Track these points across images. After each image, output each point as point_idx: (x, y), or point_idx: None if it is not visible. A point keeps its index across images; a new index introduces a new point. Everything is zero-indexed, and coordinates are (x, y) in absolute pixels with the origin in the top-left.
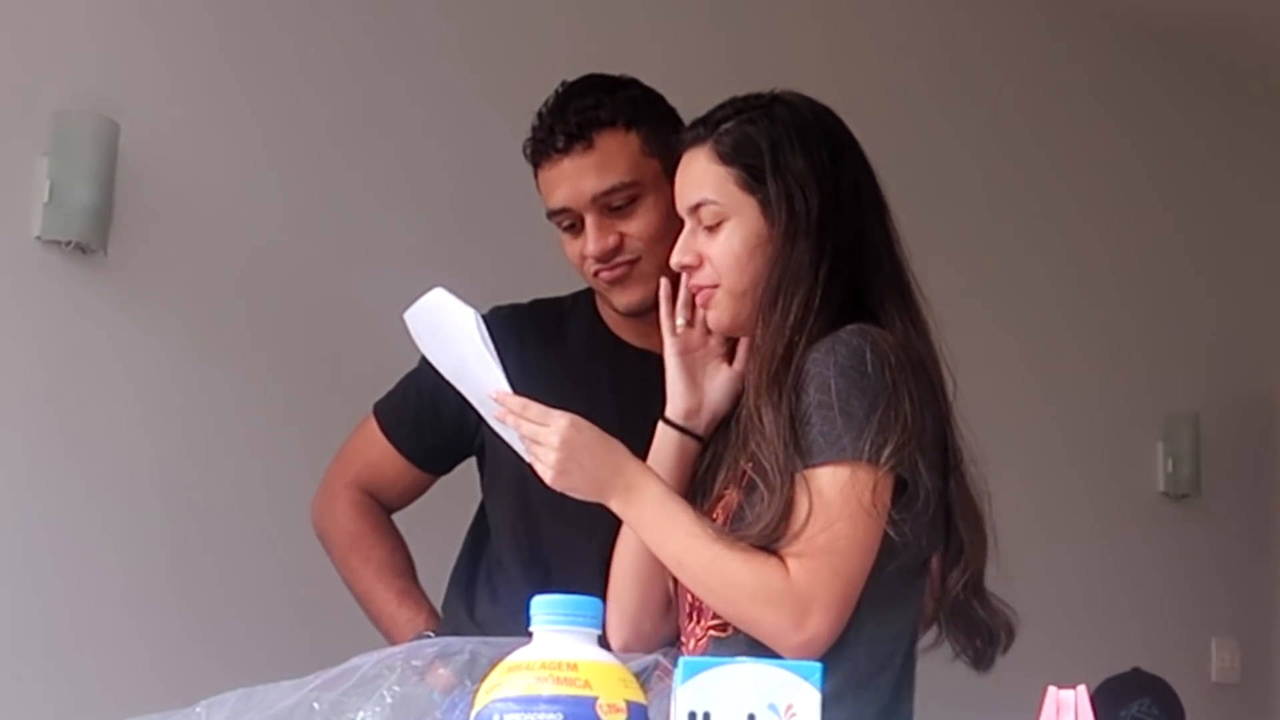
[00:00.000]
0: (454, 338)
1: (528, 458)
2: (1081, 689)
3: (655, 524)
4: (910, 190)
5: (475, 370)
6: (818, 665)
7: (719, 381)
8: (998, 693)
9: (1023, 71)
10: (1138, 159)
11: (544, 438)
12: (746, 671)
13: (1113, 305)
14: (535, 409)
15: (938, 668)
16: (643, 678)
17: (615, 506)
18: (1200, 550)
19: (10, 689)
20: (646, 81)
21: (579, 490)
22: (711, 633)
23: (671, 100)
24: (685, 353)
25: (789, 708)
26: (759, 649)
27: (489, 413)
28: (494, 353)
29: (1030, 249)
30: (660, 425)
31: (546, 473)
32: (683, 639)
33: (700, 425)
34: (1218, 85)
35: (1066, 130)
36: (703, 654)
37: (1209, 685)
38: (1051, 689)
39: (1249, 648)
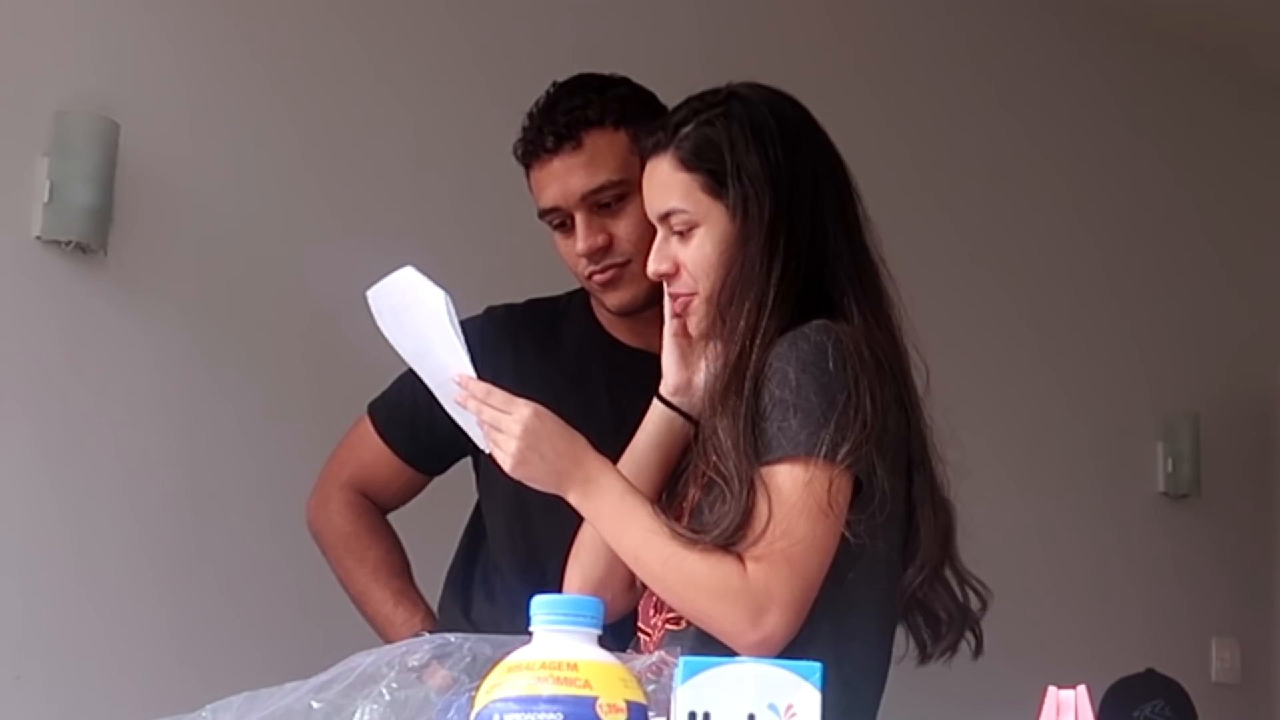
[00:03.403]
0: (420, 318)
1: (483, 445)
2: (1082, 689)
3: (613, 518)
4: (911, 188)
5: (440, 353)
6: (818, 665)
7: (711, 361)
8: (998, 693)
9: (1024, 71)
10: (1138, 159)
11: (506, 425)
12: (747, 671)
13: (1113, 305)
14: (499, 396)
15: (937, 668)
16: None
17: (574, 499)
18: (1200, 550)
19: (10, 690)
20: (645, 82)
21: (537, 480)
22: (667, 626)
23: (667, 100)
24: (681, 334)
25: (789, 708)
26: (710, 644)
27: (447, 396)
28: (461, 336)
29: (1030, 249)
30: (654, 400)
31: (506, 461)
32: (648, 629)
33: (690, 403)
34: (1220, 83)
35: (1066, 131)
36: (658, 647)
37: (1209, 685)
38: (1051, 689)
39: (1249, 648)
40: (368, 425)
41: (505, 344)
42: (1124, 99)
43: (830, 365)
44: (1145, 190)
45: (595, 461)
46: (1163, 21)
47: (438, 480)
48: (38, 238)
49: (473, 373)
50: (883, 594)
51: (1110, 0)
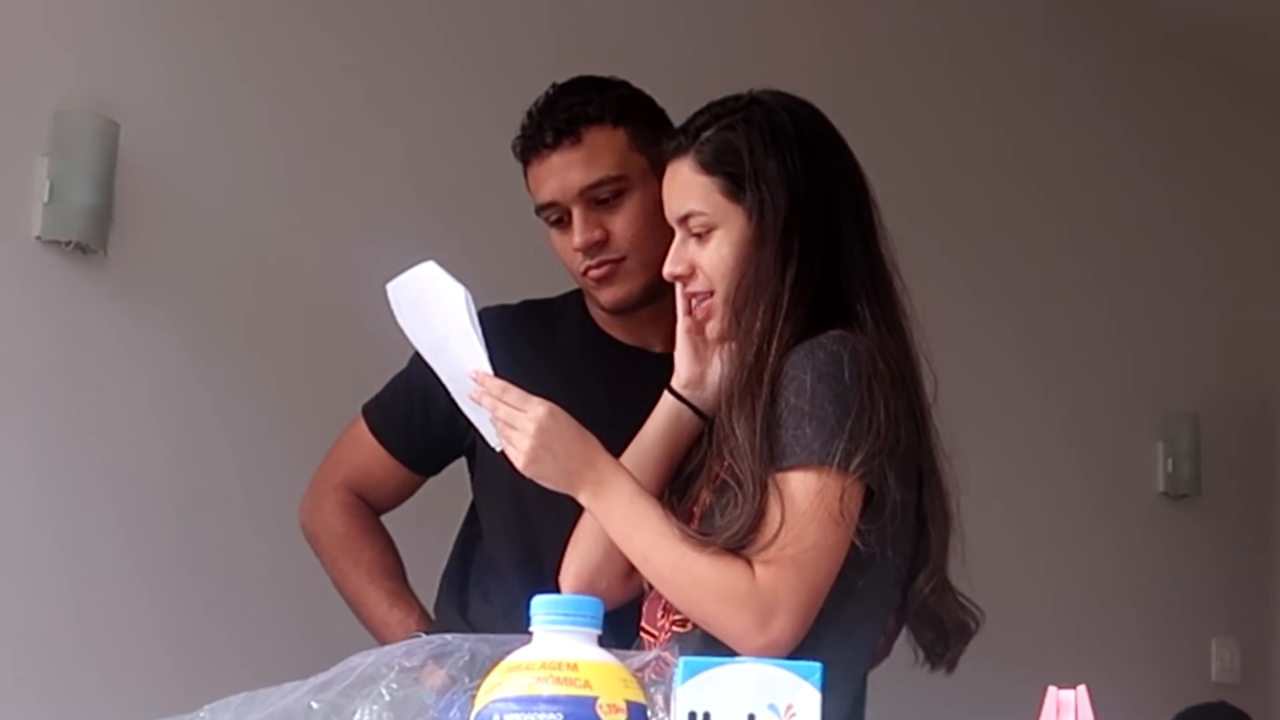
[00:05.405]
0: (439, 313)
1: (494, 443)
2: (1082, 689)
3: (624, 519)
4: (911, 189)
5: (457, 348)
6: (817, 665)
7: (726, 361)
8: (998, 692)
9: (1023, 70)
10: (1137, 158)
11: (520, 423)
12: (747, 671)
13: (1113, 305)
14: (514, 393)
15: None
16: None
17: (584, 499)
18: (1200, 550)
19: (10, 690)
20: (644, 86)
21: (549, 479)
22: (674, 628)
23: (667, 104)
24: (694, 330)
25: (789, 708)
26: (714, 646)
27: (461, 392)
28: (480, 333)
29: (1030, 248)
30: (664, 393)
31: (518, 458)
32: (654, 631)
33: (701, 398)
34: (1217, 84)
35: (1066, 130)
36: (664, 647)
37: (1209, 685)
38: (1051, 689)
39: (1249, 648)
40: (362, 426)
41: (500, 343)
42: (1124, 102)
43: (846, 375)
44: (1145, 191)
45: (607, 463)
46: (1164, 25)
47: (432, 482)
48: (38, 238)
49: (490, 369)
50: (889, 603)
51: (1111, 6)
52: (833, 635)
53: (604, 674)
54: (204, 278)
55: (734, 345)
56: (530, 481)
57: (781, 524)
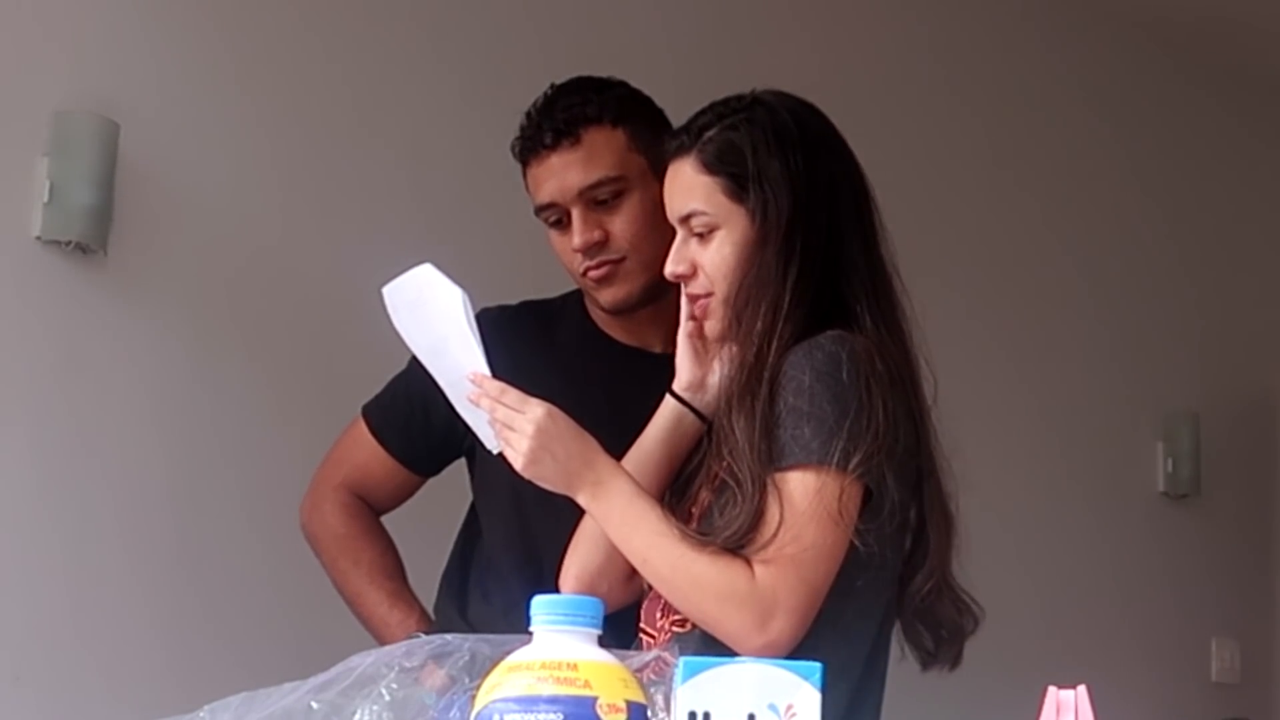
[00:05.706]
0: (436, 315)
1: (490, 445)
2: (1082, 689)
3: (622, 520)
4: (907, 189)
5: (455, 350)
6: (818, 665)
7: (726, 362)
8: (998, 692)
9: (1020, 68)
10: (1137, 157)
11: (519, 424)
12: (747, 671)
13: (1112, 304)
14: (513, 394)
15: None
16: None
17: (583, 500)
18: (1200, 550)
19: (10, 690)
20: (643, 86)
21: (548, 480)
22: (674, 628)
23: (666, 104)
24: (695, 334)
25: (789, 708)
26: (714, 646)
27: (458, 395)
28: (477, 335)
29: (1029, 248)
30: (666, 396)
31: (517, 460)
32: (654, 631)
33: (702, 401)
34: (1217, 83)
35: (1065, 128)
36: (664, 647)
37: (1209, 685)
38: (1051, 689)
39: (1249, 648)
40: (362, 427)
41: (499, 344)
42: (1121, 98)
43: (844, 375)
44: (1145, 188)
45: (606, 463)
46: (1164, 23)
47: (432, 482)
48: (38, 238)
49: (488, 371)
50: (888, 602)
51: (1113, 5)
52: (831, 635)
53: (604, 674)
54: (204, 278)
55: (734, 346)
56: (530, 482)
57: (780, 524)
